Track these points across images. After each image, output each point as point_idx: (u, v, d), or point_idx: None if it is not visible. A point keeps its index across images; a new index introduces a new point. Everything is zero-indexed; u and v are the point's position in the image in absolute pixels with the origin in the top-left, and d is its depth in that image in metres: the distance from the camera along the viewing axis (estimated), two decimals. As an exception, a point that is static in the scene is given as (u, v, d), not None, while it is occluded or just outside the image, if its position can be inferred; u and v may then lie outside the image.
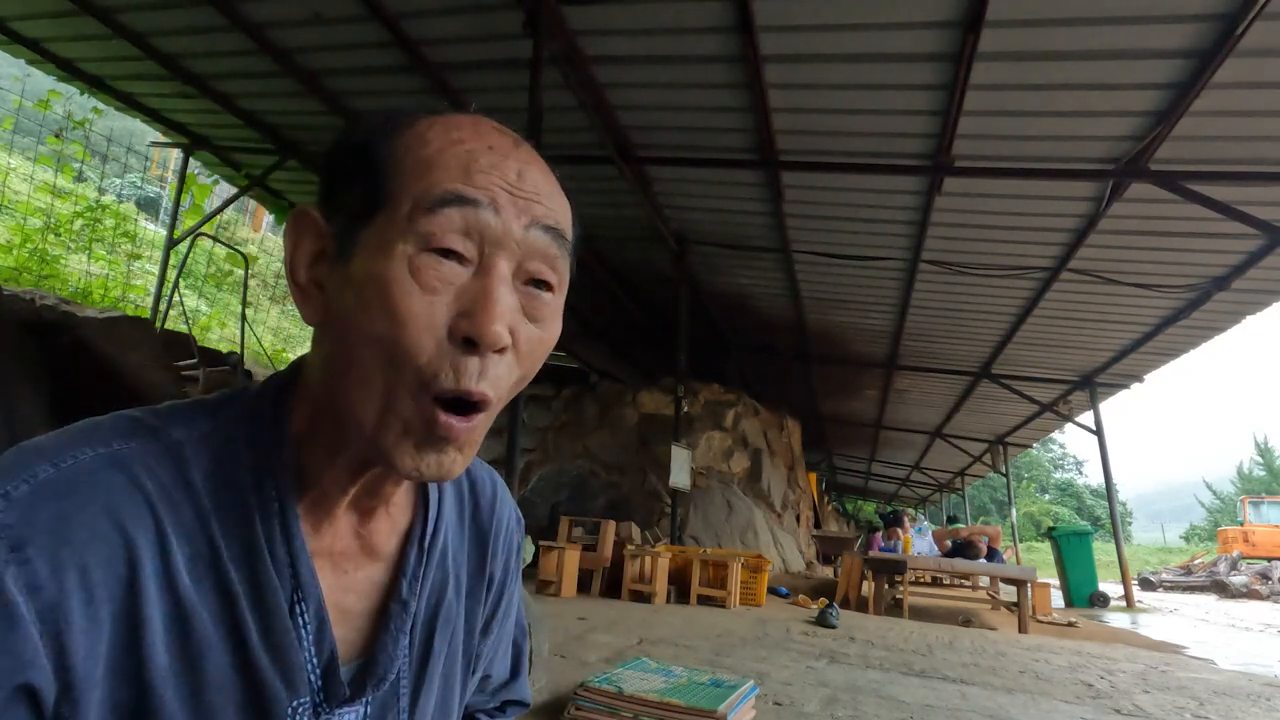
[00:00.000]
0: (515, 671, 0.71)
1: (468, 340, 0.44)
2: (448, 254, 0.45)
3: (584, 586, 5.67)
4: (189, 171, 8.27)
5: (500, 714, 0.71)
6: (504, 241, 0.46)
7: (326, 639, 0.48)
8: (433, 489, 0.57)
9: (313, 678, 0.47)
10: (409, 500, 0.56)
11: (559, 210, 0.51)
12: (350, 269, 0.45)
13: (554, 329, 0.50)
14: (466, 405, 0.45)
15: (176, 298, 7.88)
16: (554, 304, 0.50)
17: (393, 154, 0.47)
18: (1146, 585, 17.97)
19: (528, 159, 0.50)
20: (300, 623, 0.46)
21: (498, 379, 0.46)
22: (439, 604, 0.56)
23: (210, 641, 0.43)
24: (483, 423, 0.47)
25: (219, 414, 0.48)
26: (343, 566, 0.51)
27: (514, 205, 0.47)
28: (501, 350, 0.45)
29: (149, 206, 19.04)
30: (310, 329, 0.50)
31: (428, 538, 0.55)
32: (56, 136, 10.02)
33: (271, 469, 0.47)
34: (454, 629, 0.57)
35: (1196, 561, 20.15)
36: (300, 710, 0.46)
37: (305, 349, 0.55)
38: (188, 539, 0.43)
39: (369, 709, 0.50)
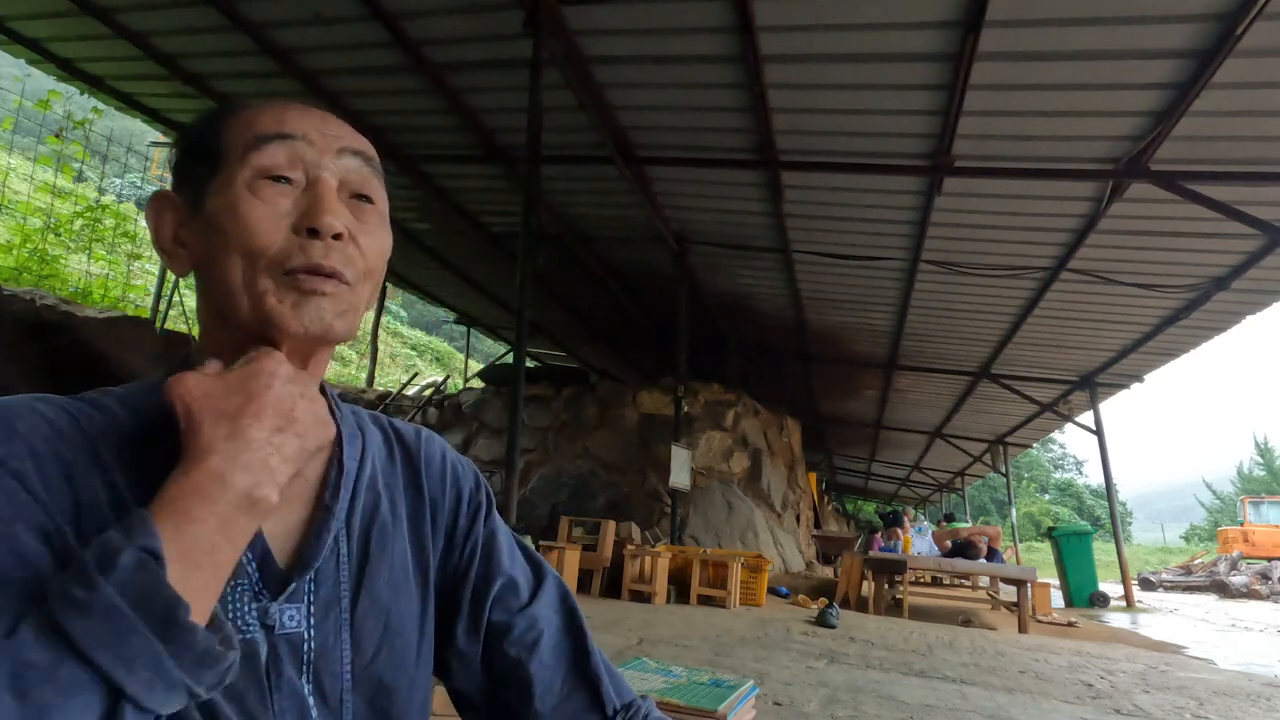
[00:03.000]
0: (537, 576, 0.72)
1: (311, 230, 0.54)
2: (278, 179, 0.56)
3: (584, 586, 5.67)
4: (189, 171, 8.26)
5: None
6: (323, 164, 0.57)
7: (257, 535, 0.54)
8: (345, 424, 0.63)
9: (249, 567, 0.53)
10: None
11: (362, 142, 0.61)
12: (204, 214, 0.56)
13: (383, 234, 0.61)
14: (325, 273, 0.55)
15: (176, 298, 7.88)
16: (378, 212, 0.61)
17: (224, 128, 0.58)
18: (1146, 585, 17.96)
19: (328, 115, 0.61)
20: None
21: (346, 259, 0.56)
22: (372, 519, 0.62)
23: None
24: (346, 295, 0.56)
25: (132, 385, 0.58)
26: None
27: (324, 139, 0.58)
28: (339, 237, 0.55)
29: (149, 206, 19.05)
30: None
31: (348, 458, 0.61)
32: (56, 136, 10.02)
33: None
34: (393, 543, 0.63)
35: (1196, 561, 20.15)
36: (240, 592, 0.52)
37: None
38: (116, 453, 0.51)
39: (312, 609, 0.55)
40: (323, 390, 0.63)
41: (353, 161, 0.59)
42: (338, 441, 0.62)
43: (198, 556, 0.43)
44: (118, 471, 0.50)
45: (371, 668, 0.58)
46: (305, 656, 0.54)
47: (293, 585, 0.54)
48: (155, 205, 0.59)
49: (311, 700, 0.54)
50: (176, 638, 0.40)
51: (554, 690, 0.66)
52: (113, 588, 0.39)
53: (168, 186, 0.61)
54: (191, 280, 0.60)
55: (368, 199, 0.60)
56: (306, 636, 0.55)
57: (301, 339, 0.55)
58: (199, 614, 0.42)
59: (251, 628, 0.52)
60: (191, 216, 0.57)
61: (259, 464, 0.47)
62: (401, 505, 0.65)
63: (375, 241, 0.60)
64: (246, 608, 0.52)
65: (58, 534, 0.45)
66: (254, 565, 0.53)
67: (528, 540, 4.46)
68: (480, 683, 0.66)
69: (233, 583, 0.52)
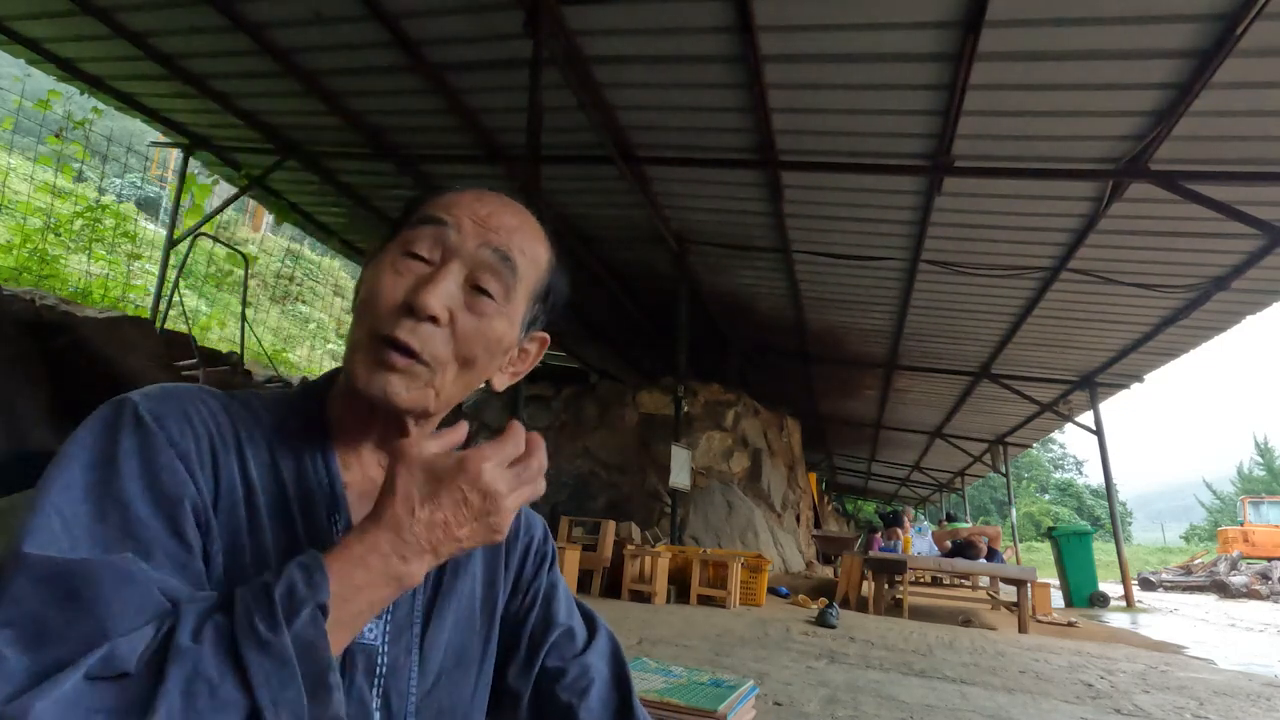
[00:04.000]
0: (590, 628, 0.78)
1: (408, 306, 0.59)
2: (416, 256, 0.62)
3: (584, 586, 5.67)
4: (189, 171, 8.27)
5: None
6: (459, 252, 0.62)
7: None
8: None
9: None
10: None
11: (516, 244, 0.65)
12: (366, 270, 0.65)
13: (493, 325, 0.64)
14: (402, 350, 0.60)
15: (176, 298, 7.88)
16: (494, 308, 0.64)
17: (417, 203, 0.66)
18: (1146, 585, 17.96)
19: (503, 206, 0.66)
20: (335, 530, 0.59)
21: (428, 338, 0.60)
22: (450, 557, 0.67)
23: (266, 522, 0.56)
24: (421, 373, 0.60)
25: (278, 394, 0.65)
26: (369, 499, 0.62)
27: (474, 230, 0.63)
28: (433, 319, 0.59)
29: (149, 206, 19.04)
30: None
31: None
32: (56, 136, 10.01)
33: (314, 420, 0.63)
34: (468, 579, 0.68)
35: (1196, 561, 20.15)
36: None
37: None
38: (256, 451, 0.58)
39: (388, 626, 0.60)
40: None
41: (490, 257, 0.63)
42: None
43: (346, 616, 0.50)
44: (253, 463, 0.57)
45: (434, 694, 0.62)
46: (378, 670, 0.58)
47: (379, 618, 0.59)
48: (370, 256, 0.68)
49: (378, 716, 0.57)
50: (322, 699, 0.46)
51: None
52: (290, 638, 0.45)
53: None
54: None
55: (488, 294, 0.63)
56: (381, 650, 0.59)
57: (369, 399, 0.60)
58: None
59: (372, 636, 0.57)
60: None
61: (422, 544, 0.52)
62: (478, 548, 0.69)
63: (478, 330, 0.63)
64: None
65: (203, 510, 0.53)
66: None
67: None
68: None
69: None
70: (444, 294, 0.60)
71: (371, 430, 0.64)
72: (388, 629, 0.59)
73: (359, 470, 0.64)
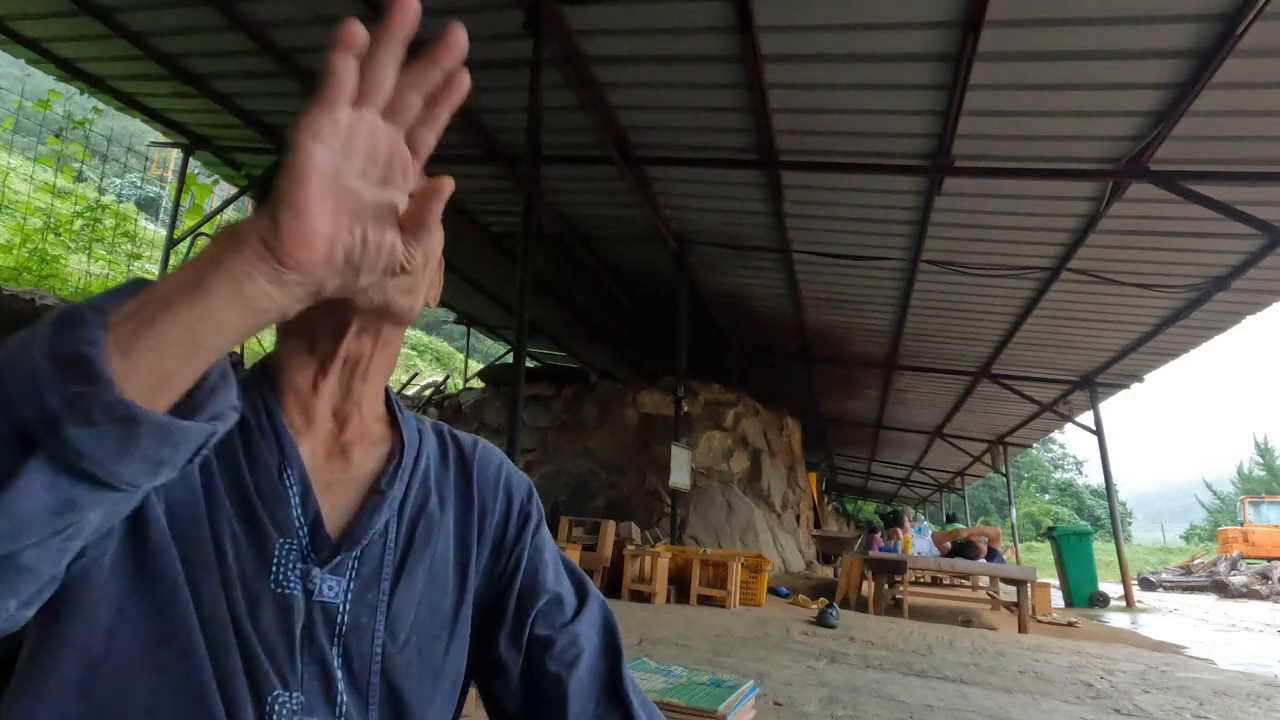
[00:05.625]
0: (581, 596, 0.73)
1: None
2: None
3: (584, 586, 5.66)
4: (189, 171, 8.27)
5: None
6: None
7: (311, 503, 0.57)
8: (407, 428, 0.67)
9: (301, 530, 0.56)
10: (387, 435, 0.67)
11: None
12: None
13: (438, 234, 0.61)
14: None
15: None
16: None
17: None
18: (1146, 585, 17.96)
19: None
20: (287, 484, 0.57)
21: None
22: (421, 511, 0.65)
23: (218, 479, 0.55)
24: (408, 276, 0.57)
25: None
26: (328, 465, 0.62)
27: None
28: None
29: (149, 206, 19.03)
30: None
31: (407, 455, 0.65)
32: (56, 136, 10.02)
33: (258, 382, 0.61)
34: (439, 537, 0.65)
35: (1196, 561, 20.15)
36: (288, 549, 0.55)
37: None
38: None
39: (352, 584, 0.58)
40: (387, 394, 0.68)
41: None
42: (397, 437, 0.66)
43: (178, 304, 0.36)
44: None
45: (403, 654, 0.60)
46: (338, 629, 0.57)
47: (340, 556, 0.57)
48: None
49: (340, 674, 0.56)
50: (74, 380, 0.34)
51: (588, 711, 0.67)
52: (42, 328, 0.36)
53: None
54: None
55: None
56: (342, 609, 0.57)
57: (368, 310, 0.57)
58: (177, 378, 0.37)
59: (293, 586, 0.55)
60: None
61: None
62: (450, 504, 0.68)
63: (432, 237, 0.63)
64: (292, 566, 0.55)
65: None
66: (305, 530, 0.57)
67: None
68: (517, 693, 0.68)
69: (281, 540, 0.55)
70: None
71: (325, 374, 0.61)
72: (351, 587, 0.57)
73: (310, 428, 0.62)
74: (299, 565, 0.55)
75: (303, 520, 0.57)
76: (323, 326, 0.59)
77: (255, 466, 0.57)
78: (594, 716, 0.67)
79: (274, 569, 0.54)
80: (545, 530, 0.75)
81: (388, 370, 0.66)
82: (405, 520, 0.63)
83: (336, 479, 0.61)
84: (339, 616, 0.57)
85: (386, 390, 0.68)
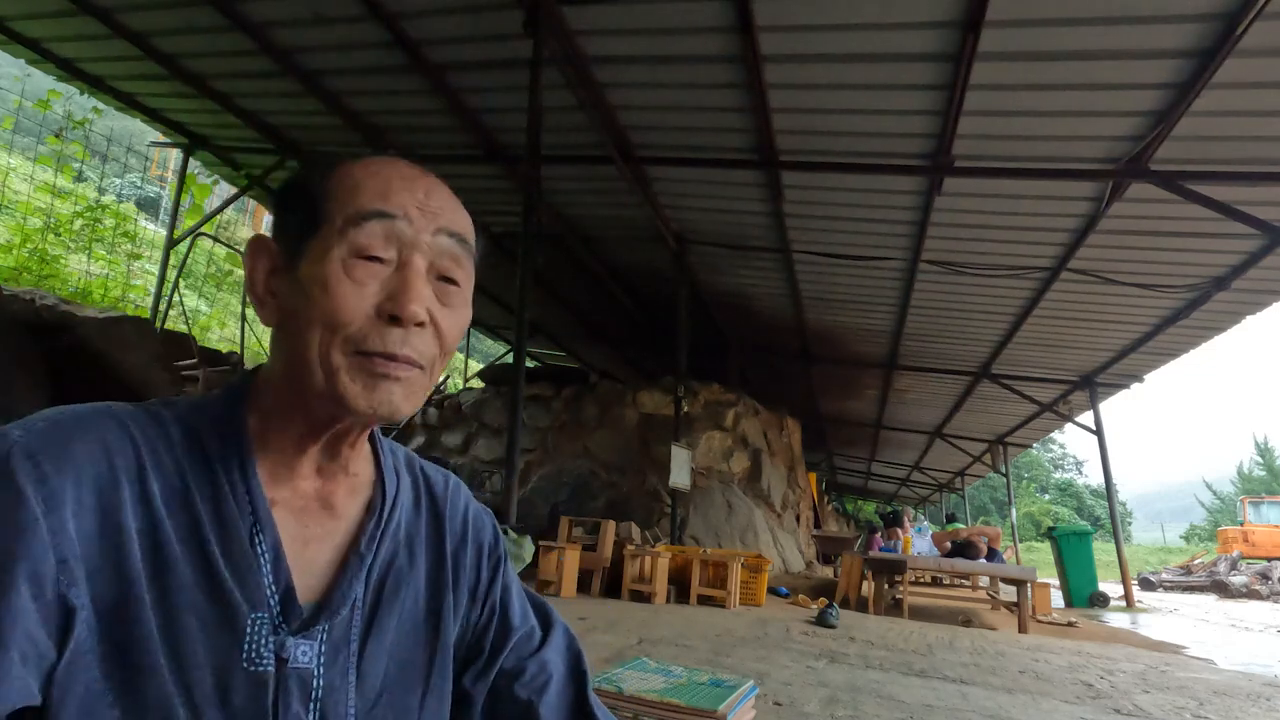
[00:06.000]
0: (545, 625, 0.76)
1: (393, 317, 0.56)
2: (372, 258, 0.57)
3: (584, 586, 5.67)
4: (189, 171, 8.27)
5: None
6: (417, 244, 0.58)
7: (283, 571, 0.56)
8: (389, 473, 0.67)
9: (272, 601, 0.54)
10: (370, 477, 0.66)
11: (461, 222, 0.63)
12: (298, 274, 0.57)
13: (464, 313, 0.63)
14: (402, 361, 0.57)
15: (176, 298, 7.89)
16: (461, 294, 0.62)
17: (326, 186, 0.59)
18: (1146, 585, 17.96)
19: (433, 184, 0.62)
20: (259, 551, 0.55)
21: (421, 346, 0.57)
22: (389, 568, 0.64)
23: (178, 555, 0.52)
24: (418, 378, 0.58)
25: (192, 401, 0.60)
26: (304, 521, 0.60)
27: (423, 217, 0.59)
28: (420, 325, 0.57)
29: (149, 206, 19.04)
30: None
31: (386, 509, 0.64)
32: (56, 136, 10.02)
33: (233, 433, 0.58)
34: (408, 591, 0.65)
35: (1196, 561, 20.14)
36: (259, 624, 0.53)
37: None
38: (163, 476, 0.53)
39: (323, 646, 0.57)
40: (372, 436, 0.67)
41: (447, 243, 0.60)
42: (379, 489, 0.65)
43: None
44: (159, 493, 0.53)
45: (375, 712, 0.59)
46: (314, 693, 0.55)
47: (318, 625, 0.56)
48: (253, 249, 0.61)
49: None
50: None
51: None
52: None
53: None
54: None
55: (454, 282, 0.61)
56: (316, 673, 0.56)
57: (368, 419, 0.57)
58: None
59: (266, 661, 0.53)
60: (285, 269, 0.58)
61: None
62: (421, 556, 0.67)
63: (455, 323, 0.61)
64: (264, 640, 0.53)
65: (74, 567, 0.47)
66: (277, 599, 0.55)
67: (527, 540, 4.46)
68: None
69: (254, 614, 0.53)
70: (424, 294, 0.58)
71: (315, 440, 0.59)
72: (323, 650, 0.56)
73: (290, 484, 0.60)
74: (271, 638, 0.53)
75: (274, 590, 0.55)
76: (318, 410, 0.58)
77: (224, 533, 0.54)
78: None
79: (246, 646, 0.52)
80: (509, 565, 0.76)
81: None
82: (374, 577, 0.62)
83: (314, 534, 0.60)
84: (314, 681, 0.55)
85: (373, 433, 0.67)
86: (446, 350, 0.61)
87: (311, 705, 0.55)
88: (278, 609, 0.54)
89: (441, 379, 12.58)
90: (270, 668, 0.53)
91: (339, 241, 0.56)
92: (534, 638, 0.73)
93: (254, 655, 0.52)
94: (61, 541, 0.47)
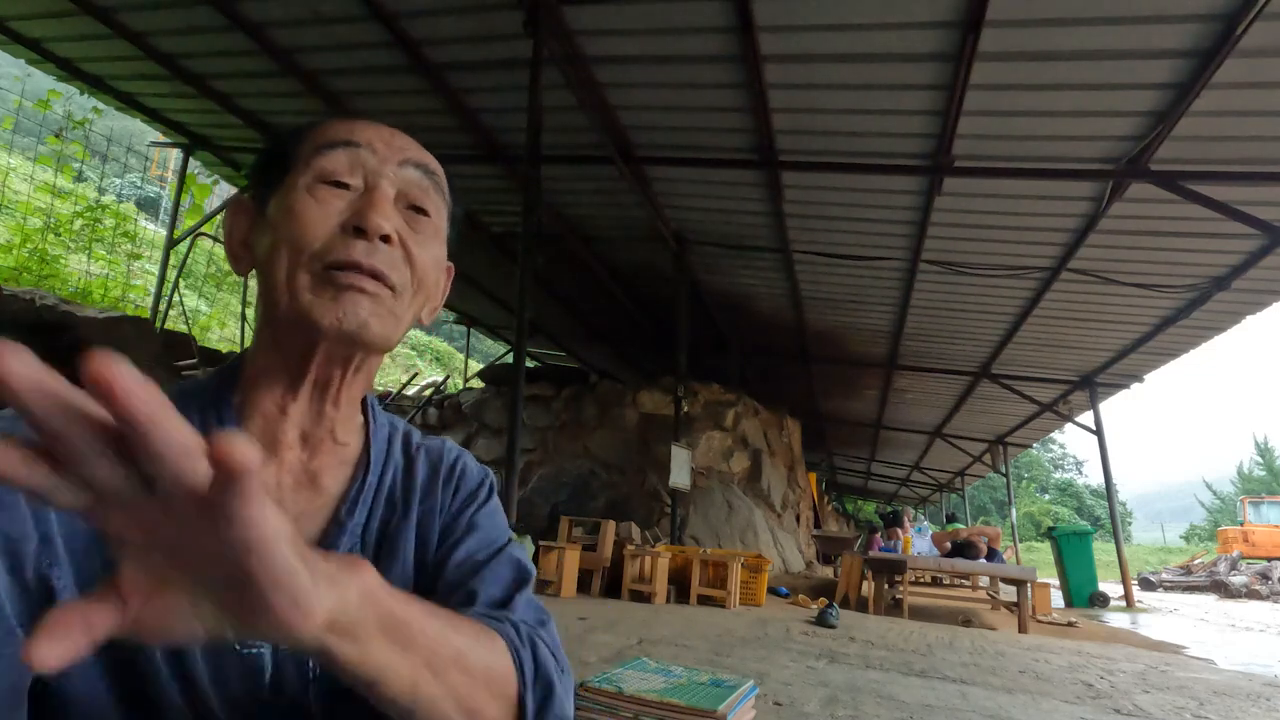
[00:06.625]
0: (507, 597, 0.62)
1: (357, 229, 0.55)
2: (337, 184, 0.57)
3: (584, 586, 5.67)
4: (189, 171, 8.27)
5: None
6: (383, 172, 0.58)
7: None
8: (378, 440, 0.64)
9: None
10: (358, 448, 0.64)
11: (428, 158, 0.62)
12: (268, 215, 0.58)
13: (438, 246, 0.62)
14: (366, 271, 0.55)
15: (176, 298, 7.89)
16: (433, 225, 0.61)
17: (299, 139, 0.60)
18: (1146, 585, 17.96)
19: (398, 130, 0.62)
20: None
21: (389, 262, 0.56)
22: (384, 533, 0.62)
23: None
24: (388, 298, 0.56)
25: (180, 386, 0.59)
26: (294, 493, 0.58)
27: (388, 149, 0.59)
28: (387, 240, 0.56)
29: (149, 206, 19.05)
30: None
31: (372, 475, 0.62)
32: (56, 136, 10.03)
33: (216, 411, 0.57)
34: (404, 554, 0.62)
35: (1196, 561, 20.14)
36: None
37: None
38: None
39: None
40: (364, 400, 0.65)
41: (414, 173, 0.60)
42: (365, 456, 0.63)
43: None
44: None
45: None
46: (311, 675, 0.54)
47: None
48: (232, 210, 0.62)
49: (314, 709, 0.54)
50: None
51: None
52: None
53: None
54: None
55: (424, 212, 0.61)
56: (312, 665, 0.54)
57: (335, 336, 0.54)
58: None
59: (258, 643, 0.52)
60: (258, 218, 0.59)
61: None
62: (414, 513, 0.65)
63: (427, 252, 0.60)
64: None
65: (46, 543, 0.46)
66: None
67: (527, 540, 4.46)
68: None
69: None
70: (390, 213, 0.57)
71: (295, 395, 0.57)
72: None
73: (276, 457, 0.58)
74: None
75: None
76: (290, 344, 0.56)
77: None
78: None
79: None
80: (492, 509, 0.69)
81: (363, 391, 0.62)
82: (372, 543, 0.61)
83: (303, 509, 0.58)
84: (308, 664, 0.54)
85: (365, 398, 0.65)
86: (421, 280, 0.59)
87: (310, 686, 0.54)
88: None
89: (441, 379, 12.59)
90: (265, 650, 0.52)
91: (305, 171, 0.57)
92: (480, 591, 0.60)
93: (246, 640, 0.51)
94: (42, 518, 0.45)
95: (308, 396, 0.58)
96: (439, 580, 0.62)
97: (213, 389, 0.58)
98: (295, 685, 0.53)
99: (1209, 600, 14.88)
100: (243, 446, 0.28)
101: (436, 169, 0.62)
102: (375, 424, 0.65)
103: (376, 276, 0.55)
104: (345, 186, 0.57)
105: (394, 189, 0.58)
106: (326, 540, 0.58)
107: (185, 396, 0.57)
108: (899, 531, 8.61)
